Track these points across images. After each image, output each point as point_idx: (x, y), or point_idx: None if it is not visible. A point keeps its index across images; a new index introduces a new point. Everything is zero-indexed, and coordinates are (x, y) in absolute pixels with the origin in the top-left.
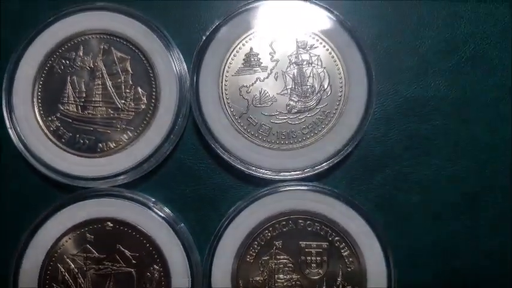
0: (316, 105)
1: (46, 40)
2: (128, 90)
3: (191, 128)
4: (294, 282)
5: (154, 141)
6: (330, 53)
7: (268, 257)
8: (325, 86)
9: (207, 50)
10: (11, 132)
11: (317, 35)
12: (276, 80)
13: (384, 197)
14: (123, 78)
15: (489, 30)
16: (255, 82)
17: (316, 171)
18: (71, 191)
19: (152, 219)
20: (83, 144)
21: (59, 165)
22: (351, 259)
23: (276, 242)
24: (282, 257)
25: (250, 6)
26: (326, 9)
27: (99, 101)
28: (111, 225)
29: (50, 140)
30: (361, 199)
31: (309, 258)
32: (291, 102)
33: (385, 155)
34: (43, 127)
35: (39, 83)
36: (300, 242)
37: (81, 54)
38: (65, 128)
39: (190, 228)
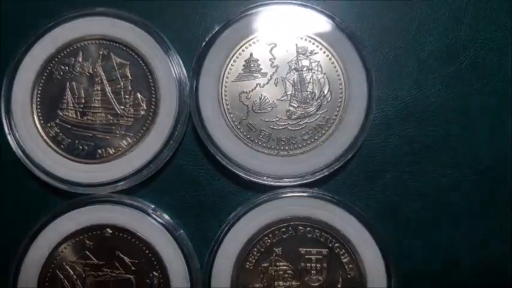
0: (316, 111)
1: (45, 46)
2: (127, 96)
3: (191, 134)
4: None
5: (154, 147)
6: (330, 59)
7: (268, 264)
8: (325, 92)
9: (207, 55)
10: (9, 138)
11: (317, 40)
12: (276, 86)
13: (384, 203)
14: (122, 84)
15: (490, 36)
16: (255, 88)
17: (316, 178)
18: (70, 197)
19: (151, 226)
20: (82, 151)
21: (58, 172)
22: (350, 266)
23: (276, 249)
24: (281, 263)
25: (250, 12)
26: (326, 14)
27: (99, 107)
28: (110, 231)
29: (49, 146)
30: (361, 205)
31: (308, 264)
32: (291, 108)
33: (385, 160)
34: (42, 133)
35: (38, 89)
36: (300, 249)
37: (80, 60)
38: (64, 134)
39: (190, 234)
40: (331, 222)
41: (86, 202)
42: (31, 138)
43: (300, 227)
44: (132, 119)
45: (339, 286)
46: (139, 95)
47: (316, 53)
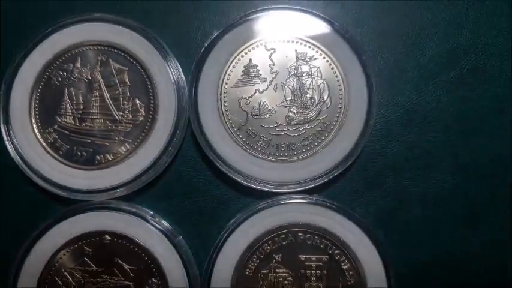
0: (316, 117)
1: (43, 51)
2: (125, 102)
3: (190, 139)
4: None
5: (153, 154)
6: (330, 64)
7: (267, 271)
8: (325, 98)
9: (206, 61)
10: (8, 144)
11: (317, 46)
12: (276, 91)
13: (384, 210)
14: (120, 90)
15: (490, 41)
16: (254, 94)
17: (315, 184)
18: (69, 203)
19: (150, 232)
20: (80, 157)
21: (56, 178)
22: (351, 272)
23: (276, 256)
24: (281, 270)
25: (250, 17)
26: (325, 20)
27: (97, 113)
28: (109, 238)
29: (47, 152)
30: (361, 212)
31: (308, 271)
32: (291, 114)
33: (385, 166)
34: (40, 139)
35: (36, 95)
36: (300, 256)
37: (78, 65)
38: (63, 140)
39: (189, 241)
40: (331, 228)
41: (84, 208)
42: (29, 144)
43: (300, 234)
44: (131, 125)
45: None
46: (137, 101)
47: (315, 59)
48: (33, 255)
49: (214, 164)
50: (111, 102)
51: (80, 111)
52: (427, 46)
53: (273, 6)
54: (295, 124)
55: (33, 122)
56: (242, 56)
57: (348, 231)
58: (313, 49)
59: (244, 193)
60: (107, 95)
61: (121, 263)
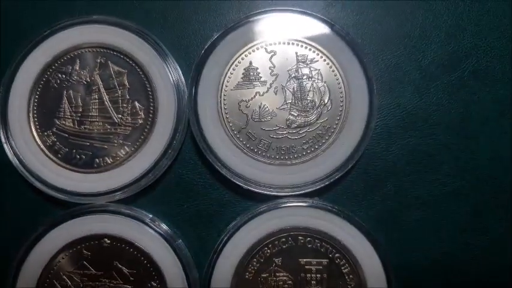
0: (317, 119)
1: (42, 53)
2: (125, 105)
3: (189, 142)
4: None
5: (152, 157)
6: (331, 67)
7: (267, 274)
8: (326, 101)
9: (206, 63)
10: (6, 147)
11: (317, 48)
12: (276, 94)
13: (385, 213)
14: (120, 92)
15: (492, 44)
16: (255, 96)
17: (316, 187)
18: (68, 207)
19: (150, 236)
20: (79, 160)
21: (55, 181)
22: (351, 276)
23: (276, 259)
24: (281, 274)
25: (250, 19)
26: (326, 22)
27: (96, 115)
28: (108, 241)
29: (46, 155)
30: (362, 215)
31: (308, 275)
32: (291, 117)
33: (386, 170)
34: (39, 142)
35: (35, 98)
36: (300, 259)
37: (77, 68)
38: (61, 143)
39: (189, 244)
40: (331, 232)
41: (83, 212)
42: (28, 147)
43: (300, 237)
44: (130, 128)
45: None
46: (137, 104)
47: (316, 61)
48: (31, 259)
49: (214, 167)
50: (110, 105)
51: (79, 114)
52: (428, 48)
53: (273, 8)
54: (296, 127)
55: (32, 124)
56: (242, 59)
57: (348, 234)
58: (313, 51)
59: (244, 196)
60: (106, 97)
61: (120, 266)
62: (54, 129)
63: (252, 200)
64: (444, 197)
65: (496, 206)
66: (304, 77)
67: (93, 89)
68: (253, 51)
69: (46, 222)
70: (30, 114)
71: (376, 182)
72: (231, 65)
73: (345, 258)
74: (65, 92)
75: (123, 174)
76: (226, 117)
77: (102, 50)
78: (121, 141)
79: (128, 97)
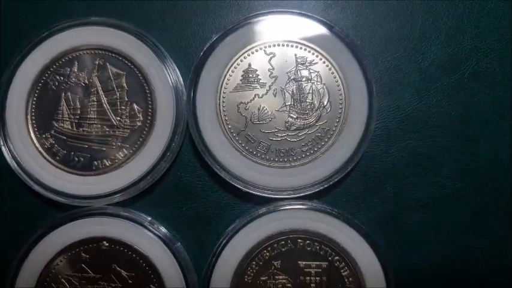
0: (316, 122)
1: (40, 55)
2: (123, 107)
3: (188, 145)
4: None
5: (151, 159)
6: (330, 69)
7: (266, 277)
8: (325, 103)
9: (205, 65)
10: (4, 149)
11: (316, 50)
12: (275, 96)
13: (384, 216)
14: (118, 94)
15: (492, 46)
16: (254, 99)
17: (315, 190)
18: (66, 209)
19: (148, 239)
20: (77, 162)
21: (53, 184)
22: (350, 279)
23: (275, 262)
24: (280, 277)
25: (249, 21)
26: (326, 24)
27: (94, 118)
28: (107, 244)
29: (44, 157)
30: (361, 218)
31: (308, 278)
32: (290, 119)
33: (385, 172)
34: (37, 144)
35: (33, 100)
36: (299, 262)
37: (75, 70)
38: (60, 145)
39: (187, 247)
40: (330, 235)
41: (81, 214)
42: (26, 149)
43: (299, 240)
44: (129, 130)
45: None
46: (135, 106)
47: (315, 63)
48: (29, 262)
49: (212, 170)
50: (108, 107)
51: (77, 116)
52: (428, 50)
53: (272, 10)
54: (295, 129)
55: (30, 127)
56: (241, 61)
57: (347, 237)
58: (313, 53)
59: (243, 199)
60: (104, 99)
61: (119, 269)
62: (53, 132)
63: (251, 203)
64: (444, 199)
65: (496, 208)
66: (303, 79)
67: (91, 91)
68: (252, 53)
69: (44, 224)
70: (28, 117)
71: (375, 185)
72: (230, 67)
73: (344, 261)
74: (63, 94)
75: (122, 176)
76: (225, 120)
77: (100, 52)
78: (119, 144)
79: (126, 99)
